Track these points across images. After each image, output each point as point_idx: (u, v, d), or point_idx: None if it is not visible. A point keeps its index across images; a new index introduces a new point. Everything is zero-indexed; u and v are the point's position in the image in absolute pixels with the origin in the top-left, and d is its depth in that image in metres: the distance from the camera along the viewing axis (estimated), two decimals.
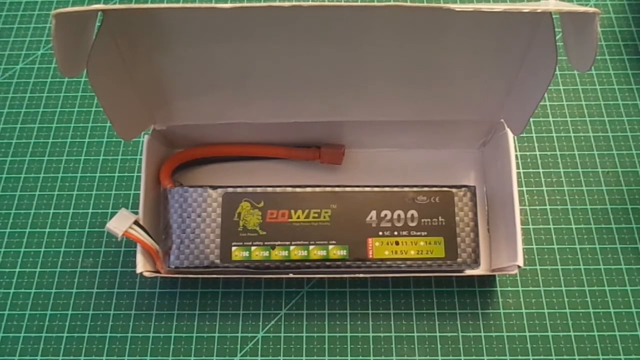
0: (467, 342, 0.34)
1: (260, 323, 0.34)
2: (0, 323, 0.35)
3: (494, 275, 0.35)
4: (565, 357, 0.33)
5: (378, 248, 0.32)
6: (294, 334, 0.34)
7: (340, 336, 0.34)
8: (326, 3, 0.26)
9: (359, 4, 0.26)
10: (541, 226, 0.37)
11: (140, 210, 0.32)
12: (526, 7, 0.24)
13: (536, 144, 0.39)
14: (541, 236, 0.36)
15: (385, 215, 0.32)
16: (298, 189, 0.33)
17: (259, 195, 0.33)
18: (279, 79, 0.32)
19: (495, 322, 0.34)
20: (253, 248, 0.32)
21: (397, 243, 0.32)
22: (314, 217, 0.32)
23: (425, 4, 0.25)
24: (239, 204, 0.32)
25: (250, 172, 0.37)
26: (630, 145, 0.39)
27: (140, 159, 0.39)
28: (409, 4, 0.26)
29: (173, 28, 0.29)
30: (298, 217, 0.32)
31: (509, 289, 0.35)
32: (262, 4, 0.25)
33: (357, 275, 0.34)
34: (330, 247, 0.32)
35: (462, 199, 0.33)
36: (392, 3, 0.25)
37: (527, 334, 0.34)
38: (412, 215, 0.32)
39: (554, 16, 0.27)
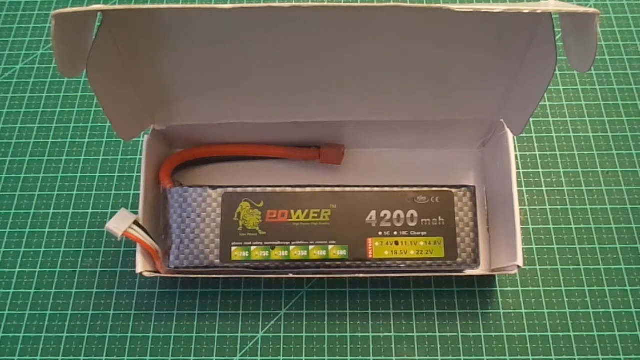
0: (467, 342, 0.34)
1: (260, 323, 0.34)
2: (0, 323, 0.35)
3: (494, 275, 0.35)
4: (565, 357, 0.33)
5: (378, 248, 0.32)
6: (293, 334, 0.34)
7: (340, 336, 0.34)
8: (326, 3, 0.26)
9: (359, 4, 0.26)
10: (541, 226, 0.37)
11: (140, 210, 0.32)
12: (526, 7, 0.24)
13: (536, 144, 0.39)
14: (541, 236, 0.36)
15: (385, 215, 0.32)
16: (298, 189, 0.33)
17: (259, 195, 0.33)
18: (279, 79, 0.32)
19: (495, 322, 0.34)
20: (253, 248, 0.32)
21: (396, 243, 0.32)
22: (313, 217, 0.32)
23: (425, 4, 0.25)
24: (238, 204, 0.32)
25: (250, 172, 0.37)
26: (630, 145, 0.39)
27: (140, 159, 0.39)
28: (408, 4, 0.26)
29: (173, 28, 0.29)
30: (298, 217, 0.32)
31: (509, 289, 0.35)
32: (262, 4, 0.25)
33: (357, 275, 0.34)
34: (330, 247, 0.32)
35: (462, 199, 0.33)
36: (391, 3, 0.25)
37: (527, 334, 0.34)
38: (412, 215, 0.32)
39: (554, 16, 0.27)
